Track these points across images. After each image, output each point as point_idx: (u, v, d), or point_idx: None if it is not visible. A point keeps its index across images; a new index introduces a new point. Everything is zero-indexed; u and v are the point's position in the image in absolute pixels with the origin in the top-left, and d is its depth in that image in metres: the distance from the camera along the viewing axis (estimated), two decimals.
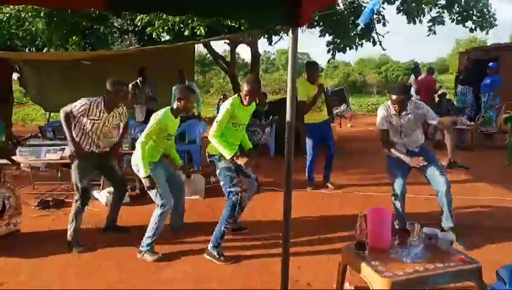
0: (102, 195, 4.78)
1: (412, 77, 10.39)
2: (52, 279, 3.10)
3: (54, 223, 4.27)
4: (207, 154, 3.60)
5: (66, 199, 4.96)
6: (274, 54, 39.43)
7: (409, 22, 7.33)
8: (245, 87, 3.40)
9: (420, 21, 7.35)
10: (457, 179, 5.69)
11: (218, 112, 4.61)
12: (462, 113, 8.44)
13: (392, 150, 3.64)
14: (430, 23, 7.42)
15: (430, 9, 7.22)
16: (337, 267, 2.61)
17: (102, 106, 3.61)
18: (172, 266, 3.28)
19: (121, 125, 4.02)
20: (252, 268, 3.22)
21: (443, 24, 7.39)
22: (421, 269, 2.23)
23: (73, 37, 6.85)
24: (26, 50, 7.54)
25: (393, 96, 3.53)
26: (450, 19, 7.23)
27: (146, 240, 3.39)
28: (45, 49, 7.14)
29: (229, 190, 3.38)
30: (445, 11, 7.17)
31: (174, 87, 7.01)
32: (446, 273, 2.25)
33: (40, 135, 6.81)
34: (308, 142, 5.33)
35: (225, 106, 3.42)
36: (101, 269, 3.26)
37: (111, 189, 4.98)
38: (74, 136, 3.64)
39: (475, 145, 7.76)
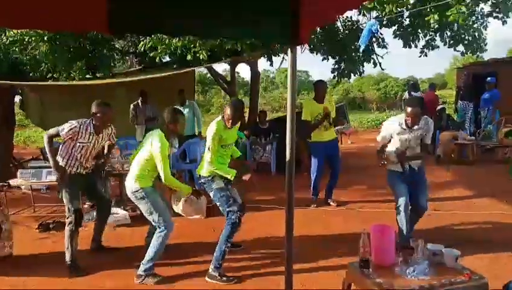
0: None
1: (406, 94, 10.45)
2: None
3: (55, 245, 4.23)
4: (198, 176, 3.58)
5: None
6: (273, 72, 39.78)
7: (404, 46, 7.55)
8: (227, 112, 3.40)
9: (416, 46, 7.56)
10: (459, 195, 5.66)
11: None
12: (462, 128, 8.47)
13: (385, 154, 3.71)
14: (422, 47, 7.68)
15: (425, 35, 7.43)
16: (342, 285, 2.57)
17: (91, 129, 3.57)
18: (174, 288, 3.23)
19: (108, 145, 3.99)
20: (256, 287, 3.18)
21: (437, 48, 7.63)
22: (427, 286, 2.20)
23: (78, 63, 6.91)
24: (30, 75, 7.61)
25: (409, 109, 3.51)
26: (442, 41, 7.43)
27: (146, 264, 3.30)
28: (49, 75, 7.21)
29: (228, 209, 3.35)
30: (438, 34, 7.38)
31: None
32: None
33: (41, 157, 6.83)
34: (314, 162, 5.25)
35: (211, 132, 3.39)
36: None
37: (116, 210, 4.98)
38: (60, 159, 3.59)
39: (476, 160, 7.74)
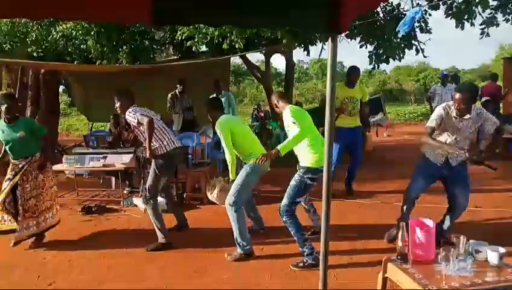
0: (141, 201, 4.91)
1: (433, 87, 9.95)
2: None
3: (97, 227, 4.44)
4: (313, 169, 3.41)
5: (108, 205, 5.15)
6: (307, 63, 39.30)
7: (457, 27, 6.86)
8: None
9: (472, 24, 6.85)
10: (504, 191, 5.42)
11: (252, 121, 4.65)
12: (509, 121, 8.04)
13: (431, 141, 3.42)
14: (483, 26, 6.91)
15: (483, 11, 6.67)
16: (378, 280, 2.54)
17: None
18: (210, 273, 3.31)
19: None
20: (290, 278, 3.19)
21: (497, 26, 6.83)
22: (468, 284, 2.12)
23: (123, 47, 7.18)
24: (75, 63, 7.96)
25: (458, 94, 3.23)
26: (504, 19, 6.67)
27: None
28: (98, 62, 7.51)
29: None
30: (499, 11, 6.62)
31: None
32: (495, 289, 2.13)
33: (83, 143, 7.12)
34: (335, 148, 5.20)
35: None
36: (145, 271, 3.35)
37: None
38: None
39: None
